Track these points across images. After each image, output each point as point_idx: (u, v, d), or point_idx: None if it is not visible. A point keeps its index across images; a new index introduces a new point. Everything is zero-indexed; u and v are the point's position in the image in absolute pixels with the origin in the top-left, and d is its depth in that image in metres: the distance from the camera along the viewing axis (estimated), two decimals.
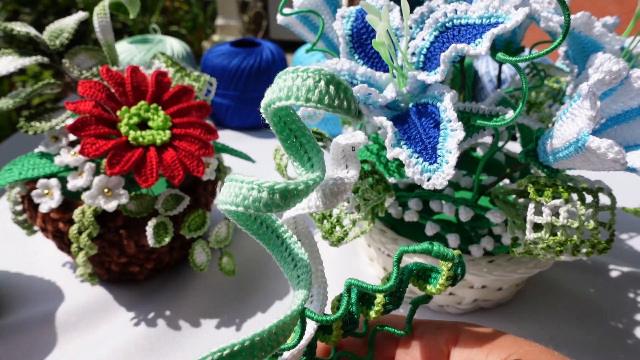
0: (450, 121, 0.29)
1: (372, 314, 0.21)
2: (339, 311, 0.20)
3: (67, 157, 0.40)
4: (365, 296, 0.22)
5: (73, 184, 0.39)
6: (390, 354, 0.23)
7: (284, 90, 0.15)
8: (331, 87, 0.15)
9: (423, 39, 0.32)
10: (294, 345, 0.20)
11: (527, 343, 0.21)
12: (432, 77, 0.31)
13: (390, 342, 0.23)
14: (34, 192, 0.39)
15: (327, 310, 0.22)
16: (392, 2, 0.35)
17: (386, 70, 0.35)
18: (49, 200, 0.39)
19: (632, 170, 0.28)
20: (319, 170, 0.17)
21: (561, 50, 0.38)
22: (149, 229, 0.39)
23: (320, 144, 0.38)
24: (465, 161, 0.50)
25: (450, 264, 0.21)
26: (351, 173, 0.19)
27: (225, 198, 0.16)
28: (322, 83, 0.15)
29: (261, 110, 0.16)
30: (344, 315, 0.21)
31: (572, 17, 0.33)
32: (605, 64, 0.27)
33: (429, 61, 0.32)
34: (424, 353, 0.22)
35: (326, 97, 0.15)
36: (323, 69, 0.15)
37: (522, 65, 0.44)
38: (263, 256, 0.51)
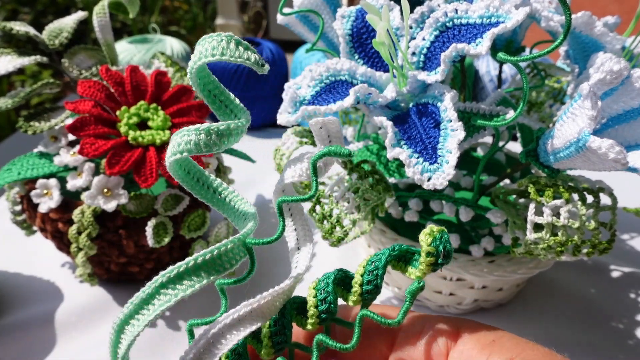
0: (451, 121, 0.29)
1: (352, 297, 0.20)
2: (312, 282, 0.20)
3: (67, 157, 0.40)
4: (345, 280, 0.21)
5: (72, 184, 0.39)
6: (385, 352, 0.22)
7: (196, 54, 0.18)
8: (231, 44, 0.18)
9: (423, 39, 0.32)
10: (249, 273, 0.21)
11: (529, 345, 0.20)
12: (432, 76, 0.30)
13: (386, 339, 0.22)
14: (33, 192, 0.39)
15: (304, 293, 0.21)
16: (392, 2, 0.35)
17: (386, 70, 0.35)
18: (48, 201, 0.39)
19: (633, 170, 0.28)
20: (244, 118, 0.20)
21: (562, 49, 0.38)
22: (149, 229, 0.39)
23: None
24: (466, 161, 0.49)
25: (429, 239, 0.19)
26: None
27: (171, 149, 0.19)
28: (224, 42, 0.18)
29: (188, 77, 0.19)
30: (318, 288, 0.20)
31: (573, 16, 0.33)
32: (606, 64, 0.27)
33: (429, 61, 0.32)
34: (421, 351, 0.21)
35: (228, 51, 0.18)
36: (225, 33, 0.18)
37: (522, 65, 0.44)
38: (263, 256, 0.51)
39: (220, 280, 0.21)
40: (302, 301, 0.21)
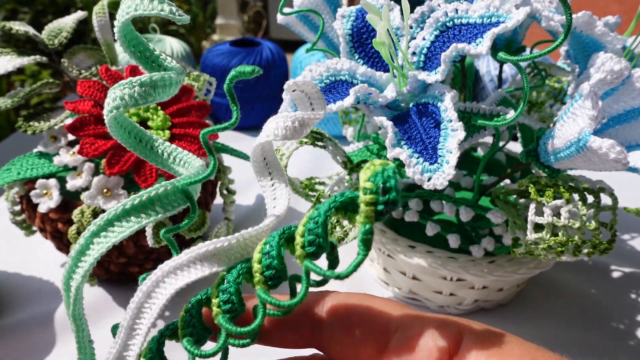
0: (451, 121, 0.29)
1: (299, 261, 0.18)
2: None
3: (66, 157, 0.40)
4: (292, 239, 0.20)
5: (72, 184, 0.39)
6: (374, 357, 0.19)
7: (117, 16, 0.19)
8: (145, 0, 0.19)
9: (423, 39, 0.32)
10: (190, 220, 0.21)
11: (540, 352, 0.18)
12: (432, 76, 0.30)
13: (376, 341, 0.19)
14: (32, 192, 0.39)
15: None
16: (392, 2, 0.35)
17: (386, 70, 0.35)
18: (47, 201, 0.39)
19: (634, 170, 0.28)
20: (174, 71, 0.21)
21: (562, 49, 0.38)
22: (149, 229, 0.39)
23: (319, 144, 0.38)
24: (466, 161, 0.49)
25: (368, 173, 0.16)
26: (318, 111, 0.22)
27: (107, 107, 0.19)
28: None
29: (116, 37, 0.19)
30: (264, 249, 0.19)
31: (573, 16, 0.33)
32: (607, 64, 0.27)
33: (429, 61, 0.32)
34: (419, 358, 0.18)
35: (141, 6, 0.19)
36: None
37: (523, 64, 0.44)
38: None
39: (164, 229, 0.22)
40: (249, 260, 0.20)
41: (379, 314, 0.20)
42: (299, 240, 0.18)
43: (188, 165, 0.22)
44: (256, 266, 0.19)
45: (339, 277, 0.17)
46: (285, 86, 0.22)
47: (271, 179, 0.23)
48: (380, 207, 0.16)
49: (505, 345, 0.18)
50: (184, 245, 0.48)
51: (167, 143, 0.22)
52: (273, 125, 0.21)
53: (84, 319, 0.20)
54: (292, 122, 0.21)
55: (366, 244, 0.16)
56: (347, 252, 0.52)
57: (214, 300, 0.19)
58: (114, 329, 0.20)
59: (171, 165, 0.22)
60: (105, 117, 0.19)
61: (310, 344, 0.21)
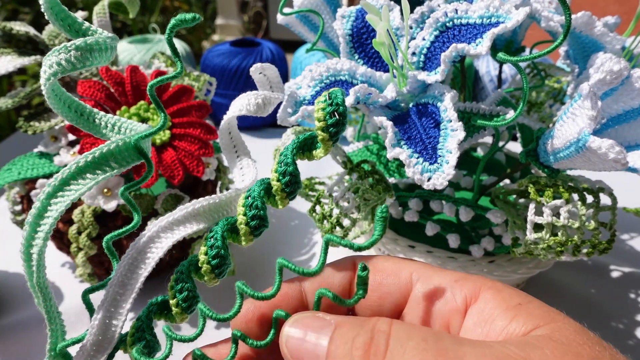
0: (451, 121, 0.29)
1: (280, 205, 0.21)
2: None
3: (67, 157, 0.40)
4: (269, 187, 0.21)
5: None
6: (400, 303, 0.20)
7: None
8: None
9: (423, 39, 0.32)
10: (147, 174, 0.21)
11: (560, 317, 0.17)
12: (432, 77, 0.30)
13: (401, 290, 0.20)
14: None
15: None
16: (392, 2, 0.35)
17: (386, 70, 0.35)
18: None
19: (633, 170, 0.28)
20: (106, 36, 0.21)
21: (562, 50, 0.38)
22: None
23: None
24: (466, 161, 0.49)
25: (323, 99, 0.19)
26: (277, 93, 0.24)
27: (45, 73, 0.19)
28: None
29: (42, 9, 0.19)
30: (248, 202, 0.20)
31: (573, 16, 0.33)
32: (606, 64, 0.27)
33: (429, 61, 0.32)
34: (437, 306, 0.19)
35: None
36: None
37: (522, 65, 0.44)
38: (263, 256, 0.51)
39: (123, 187, 0.22)
40: (235, 221, 0.21)
41: (402, 267, 0.21)
42: (276, 184, 0.20)
43: (126, 130, 0.23)
44: (241, 218, 0.20)
45: (360, 249, 0.18)
46: (252, 69, 0.24)
47: (237, 153, 0.24)
48: (330, 121, 0.19)
49: (525, 305, 0.17)
50: (185, 246, 0.48)
51: (110, 115, 0.22)
52: (241, 102, 0.23)
53: (49, 288, 0.20)
54: (257, 99, 0.23)
55: (382, 222, 0.18)
56: (347, 250, 0.52)
57: (203, 258, 0.20)
58: (86, 294, 0.20)
59: (111, 136, 0.22)
60: (42, 87, 0.19)
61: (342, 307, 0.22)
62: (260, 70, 0.24)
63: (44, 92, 0.20)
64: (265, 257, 0.51)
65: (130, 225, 0.21)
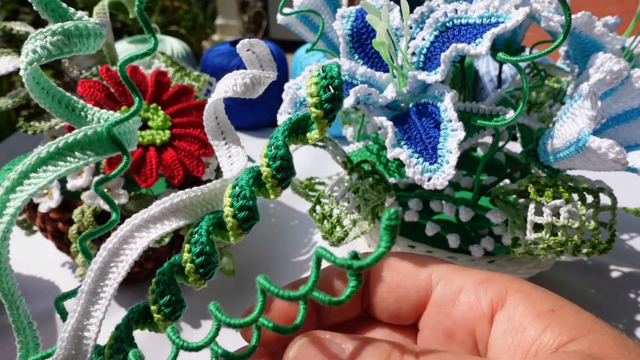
0: (451, 121, 0.29)
1: (271, 195, 0.18)
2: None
3: None
4: (259, 176, 0.19)
5: (72, 184, 0.39)
6: (419, 307, 0.19)
7: None
8: None
9: (423, 39, 0.32)
10: (125, 165, 0.19)
11: (597, 326, 0.15)
12: (432, 77, 0.30)
13: (420, 293, 0.18)
14: None
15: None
16: (392, 2, 0.35)
17: (386, 70, 0.35)
18: (48, 200, 0.39)
19: (633, 170, 0.28)
20: (91, 22, 0.20)
21: (562, 50, 0.38)
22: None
23: (319, 144, 0.38)
24: (466, 161, 0.49)
25: (316, 73, 0.17)
26: (267, 72, 0.22)
27: (22, 63, 0.18)
28: None
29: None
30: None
31: (572, 16, 0.33)
32: (606, 64, 0.27)
33: (429, 61, 0.32)
34: (460, 311, 0.17)
35: None
36: None
37: (522, 65, 0.44)
38: (263, 256, 0.51)
39: (96, 180, 0.21)
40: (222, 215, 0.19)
41: (420, 267, 0.19)
42: (266, 170, 0.18)
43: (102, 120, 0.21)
44: (228, 210, 0.18)
45: (361, 268, 0.15)
46: (239, 45, 0.22)
47: (224, 140, 0.22)
48: (325, 96, 0.16)
49: (559, 311, 0.16)
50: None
51: (90, 105, 0.21)
52: (227, 82, 0.21)
53: (17, 294, 0.18)
54: (244, 79, 0.21)
55: (390, 232, 0.14)
56: (347, 250, 0.52)
57: (186, 256, 0.18)
58: (59, 301, 0.19)
59: (89, 124, 0.21)
60: (22, 75, 0.18)
61: (355, 308, 0.20)
62: (248, 47, 0.22)
63: (24, 81, 0.18)
64: (265, 257, 0.51)
65: (107, 224, 0.19)
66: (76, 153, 0.18)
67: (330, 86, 0.17)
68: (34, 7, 0.19)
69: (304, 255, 0.52)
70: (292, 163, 0.18)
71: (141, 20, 0.18)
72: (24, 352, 0.18)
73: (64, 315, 0.18)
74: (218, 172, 0.47)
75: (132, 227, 0.18)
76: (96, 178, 0.21)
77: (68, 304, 0.18)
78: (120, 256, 0.17)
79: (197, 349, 0.16)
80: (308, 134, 0.19)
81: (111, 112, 0.21)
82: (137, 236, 0.18)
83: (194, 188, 0.19)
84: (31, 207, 0.41)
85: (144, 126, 0.42)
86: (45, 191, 0.39)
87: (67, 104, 0.20)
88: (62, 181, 0.41)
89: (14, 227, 0.53)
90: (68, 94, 0.21)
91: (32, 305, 0.44)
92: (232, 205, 0.18)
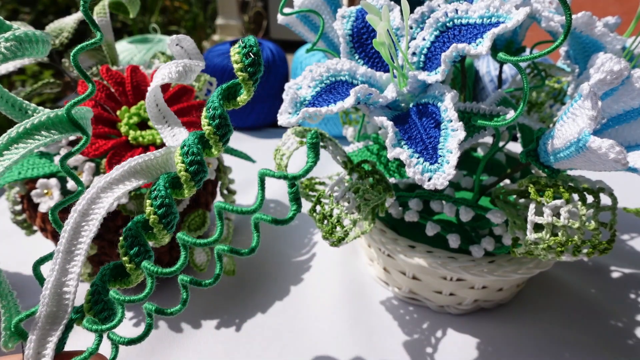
0: (451, 121, 0.29)
1: (214, 151, 0.22)
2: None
3: None
4: (204, 139, 0.23)
5: (73, 183, 0.39)
6: None
7: None
8: None
9: (423, 39, 0.32)
10: (84, 143, 0.22)
11: None
12: (432, 77, 0.30)
13: None
14: (33, 192, 0.39)
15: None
16: (392, 2, 0.35)
17: (387, 70, 0.35)
18: (48, 200, 0.39)
19: (633, 170, 0.28)
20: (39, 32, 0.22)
21: (562, 50, 0.38)
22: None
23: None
24: (466, 161, 0.49)
25: (237, 45, 0.21)
26: (196, 61, 0.25)
27: None
28: None
29: None
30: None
31: (573, 16, 0.33)
32: (607, 64, 0.27)
33: (429, 61, 0.32)
34: None
35: None
36: None
37: (523, 65, 0.44)
38: (263, 256, 0.51)
39: (61, 157, 0.23)
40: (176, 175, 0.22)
41: None
42: (207, 129, 0.21)
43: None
44: (180, 165, 0.21)
45: (295, 178, 0.20)
46: (167, 41, 0.25)
47: (167, 123, 0.26)
48: (247, 61, 0.20)
49: None
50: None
51: (40, 107, 0.23)
52: (163, 71, 0.24)
53: None
54: (177, 67, 0.24)
55: (314, 149, 0.20)
56: (347, 250, 0.52)
57: (149, 209, 0.21)
58: (37, 266, 0.21)
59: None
60: None
61: None
62: (176, 42, 0.26)
63: None
64: (265, 257, 0.51)
65: (74, 194, 0.21)
66: (42, 132, 0.20)
67: (250, 53, 0.21)
68: None
69: (304, 255, 0.52)
70: (229, 121, 0.21)
71: (86, 17, 0.21)
72: (7, 316, 0.21)
73: (41, 281, 0.21)
74: (218, 172, 0.47)
75: (97, 190, 0.20)
76: (63, 156, 0.24)
77: (45, 270, 0.20)
78: (90, 215, 0.20)
79: (170, 274, 0.20)
80: (238, 98, 0.22)
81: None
82: (103, 196, 0.20)
83: (148, 153, 0.22)
84: (31, 207, 0.41)
85: (144, 126, 0.42)
86: (45, 191, 0.39)
87: (20, 107, 0.23)
88: (63, 181, 0.41)
89: (15, 227, 0.53)
90: (20, 98, 0.23)
91: (32, 305, 0.44)
92: (183, 162, 0.21)
